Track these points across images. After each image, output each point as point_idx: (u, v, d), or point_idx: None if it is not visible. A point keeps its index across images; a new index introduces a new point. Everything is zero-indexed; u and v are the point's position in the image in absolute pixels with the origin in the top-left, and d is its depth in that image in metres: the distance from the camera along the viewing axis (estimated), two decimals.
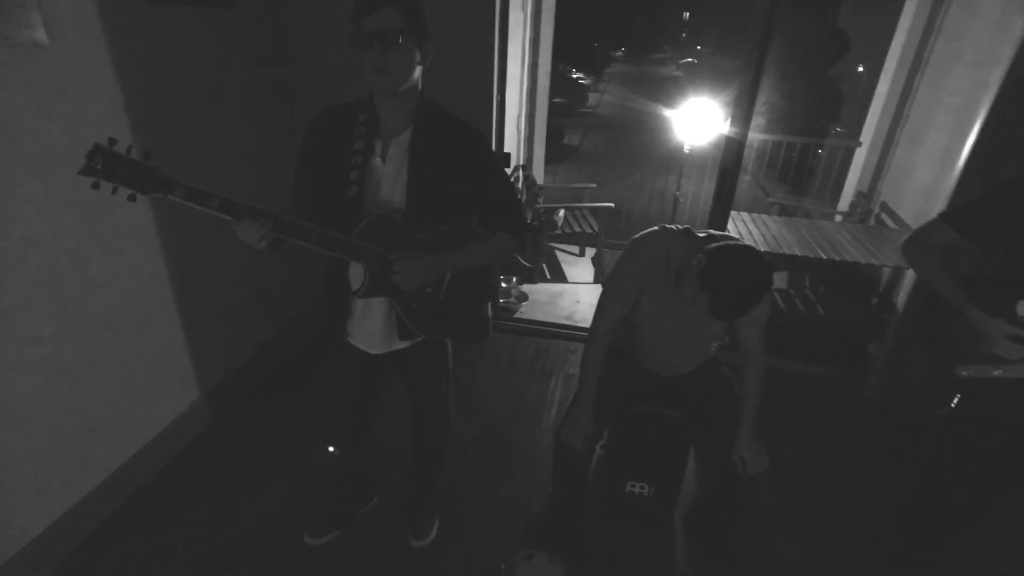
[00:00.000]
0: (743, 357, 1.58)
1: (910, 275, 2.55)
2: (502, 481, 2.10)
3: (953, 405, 1.47)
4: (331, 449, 1.70)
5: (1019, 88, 1.98)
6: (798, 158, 4.32)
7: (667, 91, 13.23)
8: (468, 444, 2.25)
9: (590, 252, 4.18)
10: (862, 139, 3.90)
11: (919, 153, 3.25)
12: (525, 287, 3.57)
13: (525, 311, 3.35)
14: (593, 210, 3.98)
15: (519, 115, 3.99)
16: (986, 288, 1.32)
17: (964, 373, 1.33)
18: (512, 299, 3.40)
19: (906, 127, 3.47)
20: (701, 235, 1.47)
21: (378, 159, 1.27)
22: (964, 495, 1.51)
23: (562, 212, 3.93)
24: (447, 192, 1.30)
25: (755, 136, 4.42)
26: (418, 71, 1.24)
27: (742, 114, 2.32)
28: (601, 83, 16.43)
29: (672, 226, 1.52)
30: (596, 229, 3.80)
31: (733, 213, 3.20)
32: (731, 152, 2.41)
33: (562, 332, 3.12)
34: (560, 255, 4.19)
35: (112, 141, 1.04)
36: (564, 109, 10.48)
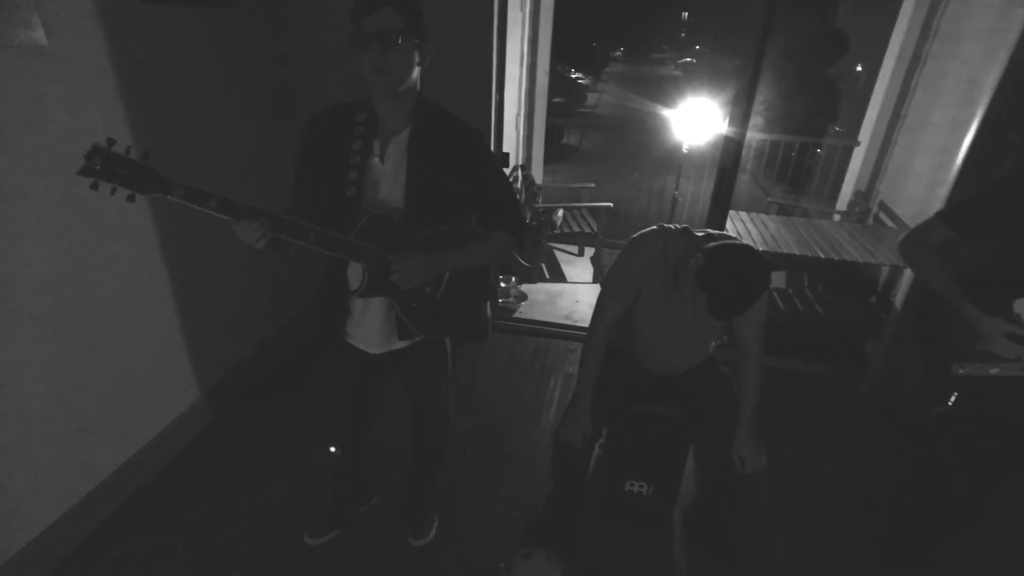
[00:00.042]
0: (741, 356, 1.58)
1: (908, 274, 2.55)
2: (501, 480, 2.10)
3: (950, 403, 1.48)
4: (333, 450, 1.71)
5: (1015, 88, 1.99)
6: (796, 157, 4.32)
7: (666, 91, 13.25)
8: (467, 443, 2.26)
9: (589, 252, 4.18)
10: (860, 138, 3.90)
11: (917, 153, 3.26)
12: (524, 287, 3.58)
13: (524, 311, 3.35)
14: (592, 210, 3.98)
15: (518, 115, 3.99)
16: (983, 287, 1.33)
17: (961, 371, 1.34)
18: (511, 299, 3.41)
19: (904, 127, 3.48)
20: (699, 234, 1.47)
21: (377, 159, 1.27)
22: (961, 492, 1.52)
23: (561, 212, 3.94)
24: (445, 192, 1.30)
25: (753, 136, 4.42)
26: (417, 71, 1.24)
27: (740, 114, 2.33)
28: (600, 83, 16.45)
29: (670, 225, 1.52)
30: (595, 229, 3.81)
31: (732, 212, 3.21)
32: (729, 151, 2.42)
33: (561, 332, 3.12)
34: (559, 255, 4.20)
35: (111, 141, 1.04)
36: (563, 109, 10.49)
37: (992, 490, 1.52)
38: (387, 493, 1.97)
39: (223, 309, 2.32)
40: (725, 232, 1.53)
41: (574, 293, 3.63)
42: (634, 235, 1.56)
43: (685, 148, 3.95)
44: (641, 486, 1.87)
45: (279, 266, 2.61)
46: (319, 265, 1.40)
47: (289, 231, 1.17)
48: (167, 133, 1.93)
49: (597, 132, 9.48)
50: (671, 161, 4.70)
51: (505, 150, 2.91)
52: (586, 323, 1.68)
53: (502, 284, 3.42)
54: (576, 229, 3.81)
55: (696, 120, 3.67)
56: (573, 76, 12.19)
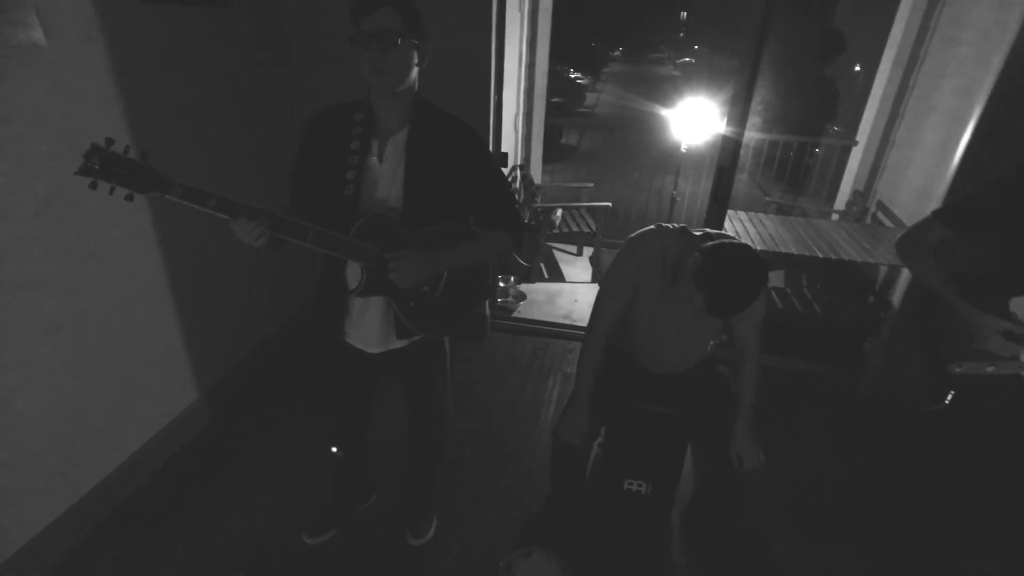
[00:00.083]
0: (739, 355, 1.58)
1: (906, 273, 2.56)
2: (500, 479, 2.11)
3: (947, 402, 1.49)
4: (334, 450, 1.71)
5: (1012, 88, 2.00)
6: (795, 157, 4.32)
7: (664, 91, 13.27)
8: (466, 442, 2.26)
9: (588, 251, 4.19)
10: (858, 138, 3.91)
11: (915, 152, 3.26)
12: (523, 286, 3.58)
13: (523, 310, 3.36)
14: (591, 209, 3.98)
15: (517, 115, 3.99)
16: (979, 286, 1.33)
17: (958, 370, 1.34)
18: (510, 298, 3.41)
19: (902, 126, 3.49)
20: (697, 233, 1.48)
21: (375, 158, 1.27)
22: (960, 492, 1.53)
23: (560, 211, 3.94)
24: (443, 191, 1.31)
25: (752, 135, 4.42)
26: (416, 71, 1.24)
27: (739, 113, 2.33)
28: (599, 83, 16.46)
29: (668, 225, 1.53)
30: (594, 228, 3.81)
31: (730, 212, 3.21)
32: (728, 151, 2.42)
33: (560, 331, 3.13)
34: (558, 254, 4.20)
35: (109, 141, 1.04)
36: (562, 109, 10.49)
37: (991, 490, 1.53)
38: (386, 492, 1.97)
39: (222, 309, 2.32)
40: (723, 231, 1.53)
41: (573, 293, 3.63)
42: (632, 234, 1.57)
43: (684, 148, 3.96)
44: (640, 485, 1.87)
45: (278, 266, 2.62)
46: (317, 265, 1.40)
47: (287, 230, 1.18)
48: (166, 133, 1.93)
49: (596, 132, 9.47)
50: (670, 161, 4.71)
51: (504, 150, 2.91)
52: (585, 323, 1.68)
53: (501, 284, 3.42)
54: (575, 229, 3.81)
55: (695, 120, 3.68)
56: (572, 76, 12.19)
